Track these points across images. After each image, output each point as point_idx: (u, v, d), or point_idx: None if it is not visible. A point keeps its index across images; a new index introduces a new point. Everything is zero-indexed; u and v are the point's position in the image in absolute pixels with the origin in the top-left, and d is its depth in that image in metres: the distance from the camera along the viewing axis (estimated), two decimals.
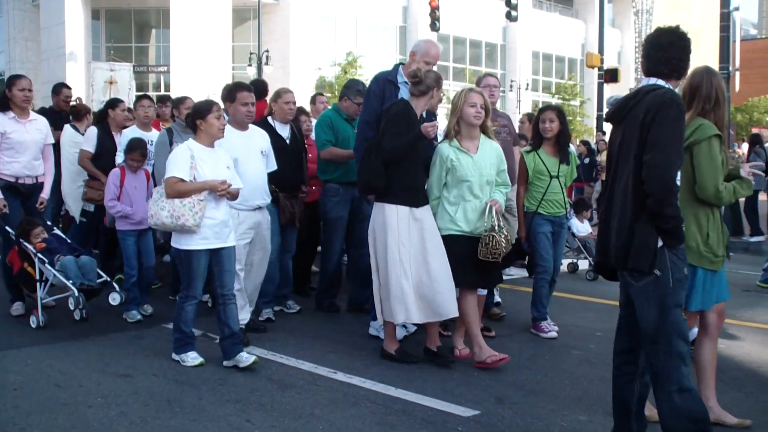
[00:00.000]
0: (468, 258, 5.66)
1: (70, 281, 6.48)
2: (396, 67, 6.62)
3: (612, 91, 38.82)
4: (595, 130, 22.45)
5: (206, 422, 4.52)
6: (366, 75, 38.50)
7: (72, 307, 6.41)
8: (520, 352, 6.17)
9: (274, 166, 6.65)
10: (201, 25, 39.46)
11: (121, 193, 6.93)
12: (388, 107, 5.92)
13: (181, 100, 7.96)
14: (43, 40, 42.00)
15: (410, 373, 5.48)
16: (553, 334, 6.66)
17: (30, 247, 6.68)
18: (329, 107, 8.24)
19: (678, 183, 3.68)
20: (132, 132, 7.73)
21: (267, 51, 34.90)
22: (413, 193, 5.75)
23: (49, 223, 7.28)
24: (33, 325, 6.54)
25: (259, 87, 8.33)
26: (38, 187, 7.18)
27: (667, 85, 3.84)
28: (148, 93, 8.67)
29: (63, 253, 6.75)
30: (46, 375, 5.36)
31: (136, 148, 7.05)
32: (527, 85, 50.09)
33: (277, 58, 37.99)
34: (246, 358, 5.50)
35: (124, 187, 6.95)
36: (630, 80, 25.09)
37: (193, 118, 5.56)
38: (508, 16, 25.12)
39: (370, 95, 6.50)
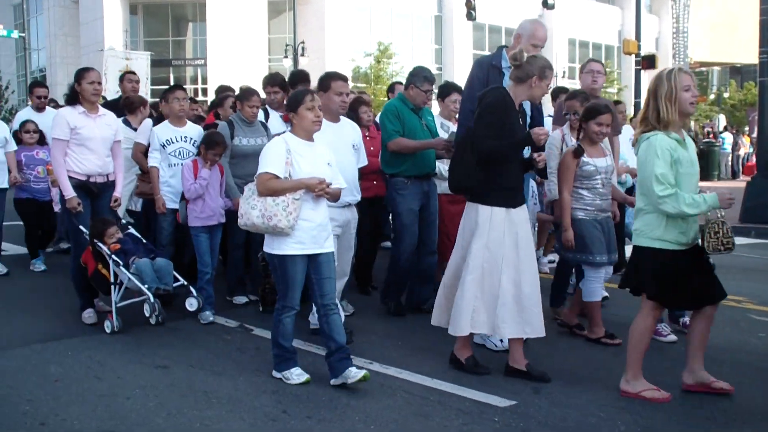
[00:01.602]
0: (691, 274, 4.75)
1: (146, 285, 6.21)
2: (500, 49, 6.07)
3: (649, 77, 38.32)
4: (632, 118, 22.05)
5: (242, 413, 4.55)
6: (400, 64, 38.36)
7: (147, 314, 6.28)
8: (557, 342, 6.10)
9: (364, 161, 6.45)
10: (237, 17, 39.81)
11: None
12: (483, 94, 5.29)
13: (247, 96, 7.15)
14: (83, 35, 42.71)
15: (446, 363, 5.43)
16: (673, 337, 6.16)
17: (104, 248, 6.35)
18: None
19: None
20: (164, 128, 7.19)
21: (303, 42, 34.99)
22: (511, 193, 5.24)
23: (124, 221, 7.03)
24: (108, 330, 6.25)
25: (300, 78, 7.97)
26: (110, 185, 6.76)
27: None
28: (181, 84, 8.40)
29: (139, 255, 6.42)
30: (86, 366, 5.44)
31: (220, 143, 6.75)
32: (564, 72, 49.49)
33: (313, 50, 38.05)
34: (355, 373, 4.92)
35: (197, 181, 6.67)
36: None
37: (287, 112, 5.22)
38: (545, 4, 24.87)
39: (473, 82, 5.94)
